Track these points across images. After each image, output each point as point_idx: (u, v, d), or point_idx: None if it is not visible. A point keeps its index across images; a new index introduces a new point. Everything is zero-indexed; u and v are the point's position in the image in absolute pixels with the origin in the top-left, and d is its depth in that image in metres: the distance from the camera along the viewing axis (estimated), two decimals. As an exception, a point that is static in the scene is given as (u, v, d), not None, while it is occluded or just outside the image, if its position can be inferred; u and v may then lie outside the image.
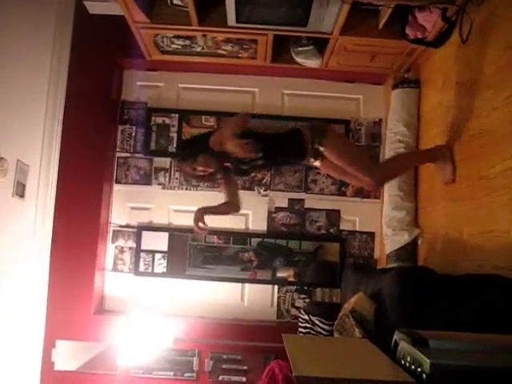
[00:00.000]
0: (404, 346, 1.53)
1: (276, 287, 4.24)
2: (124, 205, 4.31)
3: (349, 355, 1.69)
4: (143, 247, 4.25)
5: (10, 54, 3.30)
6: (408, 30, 3.28)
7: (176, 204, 4.29)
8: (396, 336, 1.62)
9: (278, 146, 2.95)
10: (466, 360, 1.39)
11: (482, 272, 2.57)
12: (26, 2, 3.47)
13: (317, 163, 3.06)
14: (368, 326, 2.41)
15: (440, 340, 1.48)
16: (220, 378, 3.90)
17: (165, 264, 4.25)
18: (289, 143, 2.97)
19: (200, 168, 2.92)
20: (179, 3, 3.24)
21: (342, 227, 4.28)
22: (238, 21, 3.17)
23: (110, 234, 4.28)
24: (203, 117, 4.36)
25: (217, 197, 4.22)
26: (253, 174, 3.03)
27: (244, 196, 4.19)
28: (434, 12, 3.08)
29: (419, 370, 1.40)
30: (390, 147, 3.90)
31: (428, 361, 1.36)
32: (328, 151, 2.96)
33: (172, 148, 4.33)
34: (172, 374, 3.91)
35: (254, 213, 4.27)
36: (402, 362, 1.52)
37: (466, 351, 1.45)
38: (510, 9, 2.58)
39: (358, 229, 4.29)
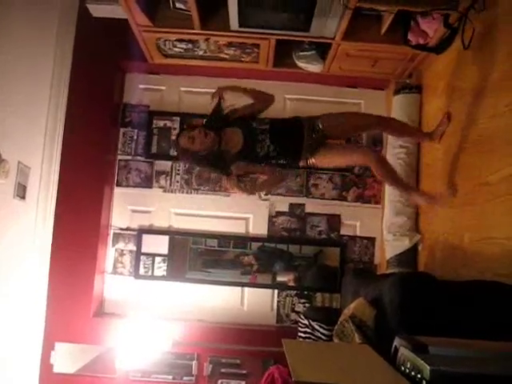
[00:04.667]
0: (404, 352, 1.53)
1: (276, 291, 4.24)
2: (125, 208, 4.31)
3: (349, 361, 1.68)
4: (143, 250, 4.25)
5: (12, 57, 3.31)
6: (410, 36, 3.29)
7: (177, 207, 4.29)
8: (396, 342, 1.61)
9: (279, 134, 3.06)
10: (465, 367, 1.39)
11: (483, 278, 2.57)
12: (28, 4, 3.48)
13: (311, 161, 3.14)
14: (368, 332, 2.40)
15: (440, 346, 1.48)
16: (219, 381, 3.88)
17: (165, 267, 4.24)
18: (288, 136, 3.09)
19: (197, 143, 3.00)
20: (182, 7, 3.25)
21: (342, 232, 4.27)
22: (240, 25, 3.18)
23: (111, 237, 4.28)
24: (205, 120, 4.36)
25: (217, 201, 4.27)
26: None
27: (244, 200, 4.24)
28: (436, 18, 3.09)
29: (419, 376, 1.39)
30: (392, 152, 3.90)
31: (428, 367, 1.36)
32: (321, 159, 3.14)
33: (173, 151, 4.33)
34: (171, 377, 3.90)
35: (254, 217, 4.28)
36: (402, 368, 1.52)
37: (466, 358, 1.44)
38: (511, 15, 2.58)
39: (358, 234, 4.28)
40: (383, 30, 3.28)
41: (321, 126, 3.09)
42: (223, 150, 3.05)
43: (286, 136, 3.09)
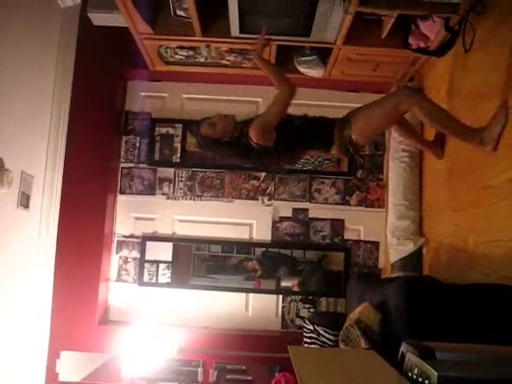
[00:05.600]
0: (411, 358, 1.52)
1: (280, 297, 4.23)
2: (128, 215, 4.31)
3: (355, 367, 1.67)
4: (147, 257, 4.25)
5: (14, 66, 3.32)
6: (411, 40, 3.29)
7: (180, 214, 4.29)
8: (403, 348, 1.60)
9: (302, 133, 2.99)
10: (473, 372, 1.38)
11: (488, 281, 2.56)
12: (30, 13, 3.50)
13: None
14: (374, 337, 2.39)
15: (447, 352, 1.47)
16: (225, 388, 3.88)
17: (169, 274, 4.24)
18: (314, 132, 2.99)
19: (218, 128, 2.95)
20: (183, 14, 3.25)
21: (346, 236, 4.27)
22: (241, 31, 3.18)
23: (115, 245, 4.28)
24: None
25: (221, 207, 4.27)
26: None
27: (248, 206, 4.25)
28: (436, 21, 3.09)
29: (427, 382, 1.38)
30: (394, 156, 3.91)
31: (435, 373, 1.35)
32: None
33: (176, 158, 4.34)
34: (176, 384, 3.90)
35: (258, 222, 4.27)
36: (409, 374, 1.51)
37: (473, 363, 1.44)
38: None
39: (362, 238, 4.27)
40: (384, 34, 3.28)
41: (350, 132, 2.93)
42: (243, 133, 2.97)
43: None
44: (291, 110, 3.11)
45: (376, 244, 4.25)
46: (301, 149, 3.10)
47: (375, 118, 2.92)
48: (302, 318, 4.07)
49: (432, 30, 3.16)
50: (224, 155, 3.10)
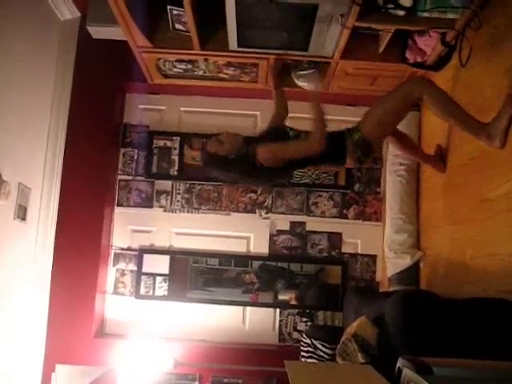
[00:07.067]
0: (408, 374, 1.51)
1: (278, 310, 4.21)
2: (125, 227, 4.30)
3: (352, 382, 1.67)
4: (144, 270, 4.23)
5: (13, 78, 3.33)
6: (408, 54, 3.31)
7: (177, 227, 4.29)
8: (399, 363, 1.60)
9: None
10: (470, 388, 1.38)
11: (486, 295, 2.55)
12: (29, 26, 3.51)
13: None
14: (371, 351, 2.39)
15: (444, 367, 1.46)
16: (221, 402, 3.85)
17: (166, 287, 4.22)
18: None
19: (226, 145, 2.85)
20: (181, 28, 3.27)
21: (343, 250, 4.26)
22: (239, 45, 3.20)
23: (111, 257, 4.27)
24: (204, 140, 4.38)
25: (218, 220, 4.26)
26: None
27: (245, 219, 4.24)
28: (433, 36, 3.11)
29: (423, 398, 1.38)
30: (391, 169, 3.91)
31: (432, 389, 1.34)
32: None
33: (173, 171, 4.34)
34: (173, 398, 3.87)
35: (255, 236, 4.26)
36: (406, 389, 1.51)
37: (470, 379, 1.43)
38: (508, 33, 2.60)
39: (359, 251, 4.27)
40: (381, 49, 3.30)
41: (361, 134, 2.89)
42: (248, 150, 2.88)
43: None
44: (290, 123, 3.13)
45: (373, 257, 4.25)
46: (312, 166, 3.01)
47: (385, 111, 2.89)
48: (300, 331, 4.06)
49: (429, 44, 3.19)
50: (228, 174, 3.00)
